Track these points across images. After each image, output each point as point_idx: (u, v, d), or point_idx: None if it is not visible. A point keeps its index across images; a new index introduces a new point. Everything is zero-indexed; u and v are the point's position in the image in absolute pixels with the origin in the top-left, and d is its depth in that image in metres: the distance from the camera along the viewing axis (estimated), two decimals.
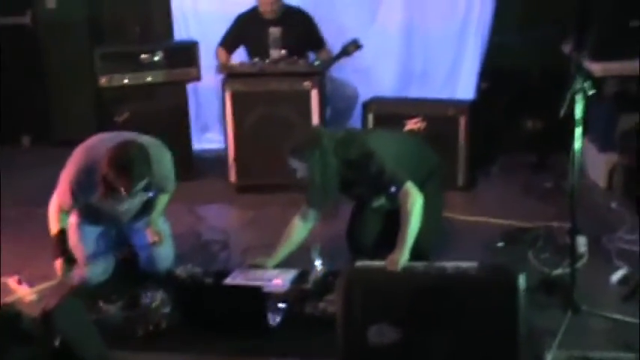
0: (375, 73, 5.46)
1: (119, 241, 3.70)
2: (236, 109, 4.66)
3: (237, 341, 3.03)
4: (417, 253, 3.17)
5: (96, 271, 3.57)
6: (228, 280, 3.49)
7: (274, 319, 3.18)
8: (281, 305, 3.27)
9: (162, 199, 3.64)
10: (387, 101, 4.99)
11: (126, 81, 4.88)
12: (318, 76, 4.66)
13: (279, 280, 3.46)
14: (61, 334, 2.69)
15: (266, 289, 3.28)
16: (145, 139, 3.43)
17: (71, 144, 3.54)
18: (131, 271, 3.65)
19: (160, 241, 3.60)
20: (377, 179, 3.38)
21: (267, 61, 4.66)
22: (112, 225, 3.65)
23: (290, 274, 3.52)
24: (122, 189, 3.21)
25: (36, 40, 5.78)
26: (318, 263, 3.47)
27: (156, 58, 4.90)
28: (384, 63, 5.46)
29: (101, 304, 3.30)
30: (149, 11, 5.64)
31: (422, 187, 3.39)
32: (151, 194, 3.50)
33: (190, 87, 5.19)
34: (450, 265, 2.83)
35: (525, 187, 4.64)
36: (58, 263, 3.51)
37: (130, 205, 3.46)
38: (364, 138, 3.55)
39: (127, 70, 4.87)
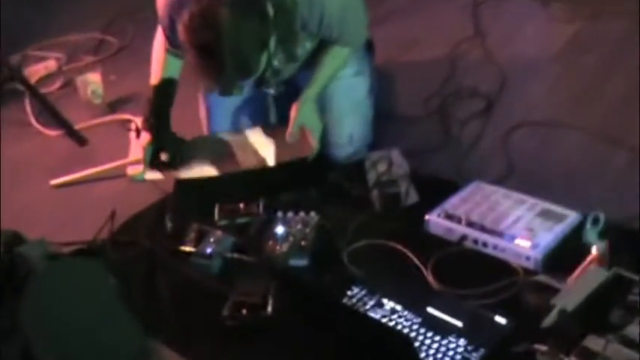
0: None
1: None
2: None
3: None
4: None
5: None
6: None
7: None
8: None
9: (335, 56, 2.21)
10: None
11: None
12: None
13: (527, 238, 1.91)
14: None
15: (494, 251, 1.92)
16: None
17: None
18: None
19: (300, 136, 2.20)
20: None
21: None
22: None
23: (559, 226, 1.94)
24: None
25: None
26: None
27: None
28: None
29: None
30: None
31: None
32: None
33: None
34: None
35: None
36: (143, 137, 2.24)
37: None
38: None
39: None
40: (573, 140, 2.34)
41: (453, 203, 2.07)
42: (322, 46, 2.20)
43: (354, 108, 2.29)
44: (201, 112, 2.42)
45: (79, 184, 2.43)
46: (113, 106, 2.80)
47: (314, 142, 2.19)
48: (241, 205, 2.18)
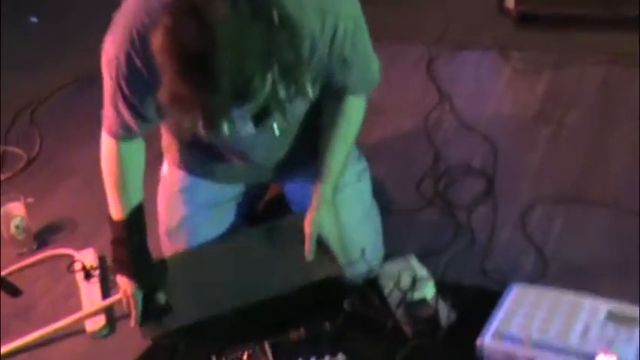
0: None
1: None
2: None
3: None
4: None
5: None
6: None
7: None
8: None
9: (350, 108, 1.80)
10: None
11: None
12: None
13: (609, 355, 1.56)
14: None
15: None
16: None
17: None
18: None
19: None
20: None
21: None
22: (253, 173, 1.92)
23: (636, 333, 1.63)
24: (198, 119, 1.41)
25: None
26: None
27: None
28: None
29: None
30: None
31: None
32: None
33: None
34: None
35: None
36: (125, 285, 1.78)
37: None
38: None
39: None
40: (596, 218, 2.08)
41: (502, 319, 1.74)
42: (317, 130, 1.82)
43: (363, 217, 1.92)
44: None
45: (24, 351, 1.94)
46: (42, 239, 2.31)
47: (336, 254, 1.80)
48: (245, 355, 1.77)
